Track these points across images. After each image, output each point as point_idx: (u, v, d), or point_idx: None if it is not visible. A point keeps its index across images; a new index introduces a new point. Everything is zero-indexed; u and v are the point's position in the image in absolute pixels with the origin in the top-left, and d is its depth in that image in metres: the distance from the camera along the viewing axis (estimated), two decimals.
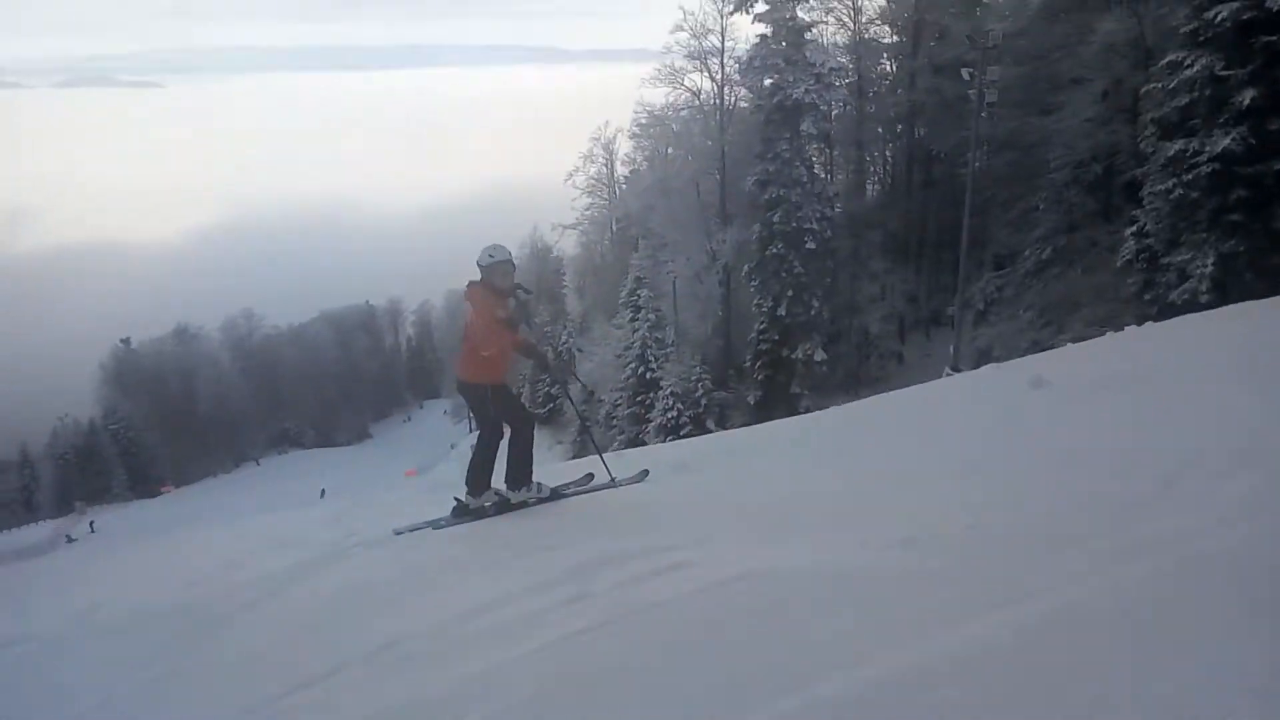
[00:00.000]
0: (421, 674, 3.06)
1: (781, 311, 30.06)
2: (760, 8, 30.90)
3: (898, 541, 3.38)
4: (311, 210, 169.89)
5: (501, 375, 6.11)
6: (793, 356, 30.18)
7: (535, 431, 6.28)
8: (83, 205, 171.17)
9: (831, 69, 30.89)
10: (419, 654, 3.26)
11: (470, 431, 66.69)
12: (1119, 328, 18.70)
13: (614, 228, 54.15)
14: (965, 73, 21.52)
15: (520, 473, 6.12)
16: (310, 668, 3.35)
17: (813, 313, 30.34)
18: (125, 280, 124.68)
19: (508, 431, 6.09)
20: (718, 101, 34.62)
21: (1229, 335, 7.23)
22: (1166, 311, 16.69)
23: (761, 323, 30.89)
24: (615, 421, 35.69)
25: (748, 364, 32.10)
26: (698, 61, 34.06)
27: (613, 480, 6.65)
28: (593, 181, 54.28)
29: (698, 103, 35.51)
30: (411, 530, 5.98)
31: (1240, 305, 9.74)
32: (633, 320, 35.88)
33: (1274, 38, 14.98)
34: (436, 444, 62.85)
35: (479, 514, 6.06)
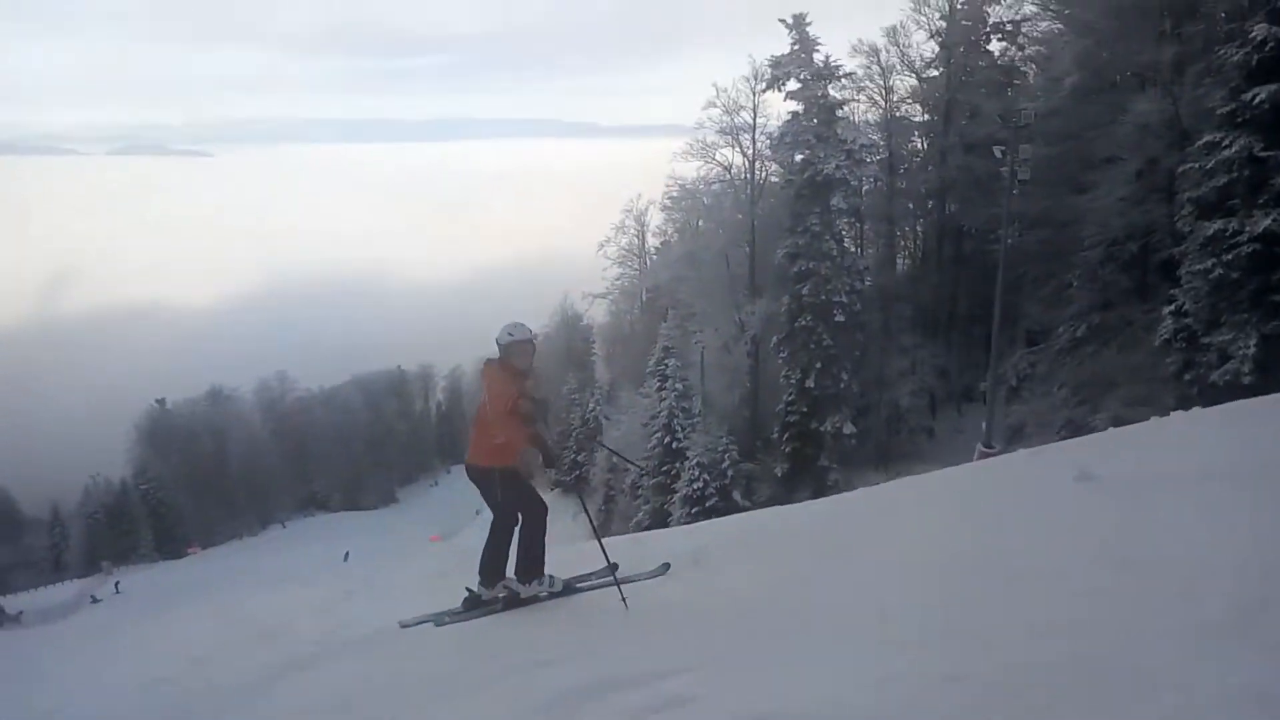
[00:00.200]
0: None
1: (810, 384, 29.79)
2: (792, 86, 31.44)
3: (940, 678, 2.92)
4: (347, 277, 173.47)
5: (513, 459, 5.74)
6: (821, 429, 29.78)
7: (548, 519, 5.89)
8: (128, 268, 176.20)
9: (862, 145, 31.24)
10: None
11: None
12: (1158, 408, 18.33)
13: (644, 297, 54.47)
14: (997, 151, 21.55)
15: (531, 565, 5.81)
16: None
17: (842, 385, 30.01)
18: (164, 342, 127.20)
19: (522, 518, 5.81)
20: (749, 176, 35.02)
21: None
22: (1208, 393, 16.28)
23: (790, 394, 30.60)
24: (640, 491, 35.24)
25: (775, 436, 31.71)
26: (729, 137, 34.61)
27: (614, 572, 6.15)
28: (624, 252, 54.92)
29: (729, 176, 35.94)
30: (417, 624, 5.70)
31: None
32: (660, 389, 35.72)
33: None
34: (462, 509, 62.39)
35: (490, 606, 5.77)
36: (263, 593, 9.98)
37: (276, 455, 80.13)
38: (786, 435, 30.70)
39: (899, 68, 35.22)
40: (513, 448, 5.61)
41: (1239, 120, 16.30)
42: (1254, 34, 16.14)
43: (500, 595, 5.78)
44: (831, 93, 31.58)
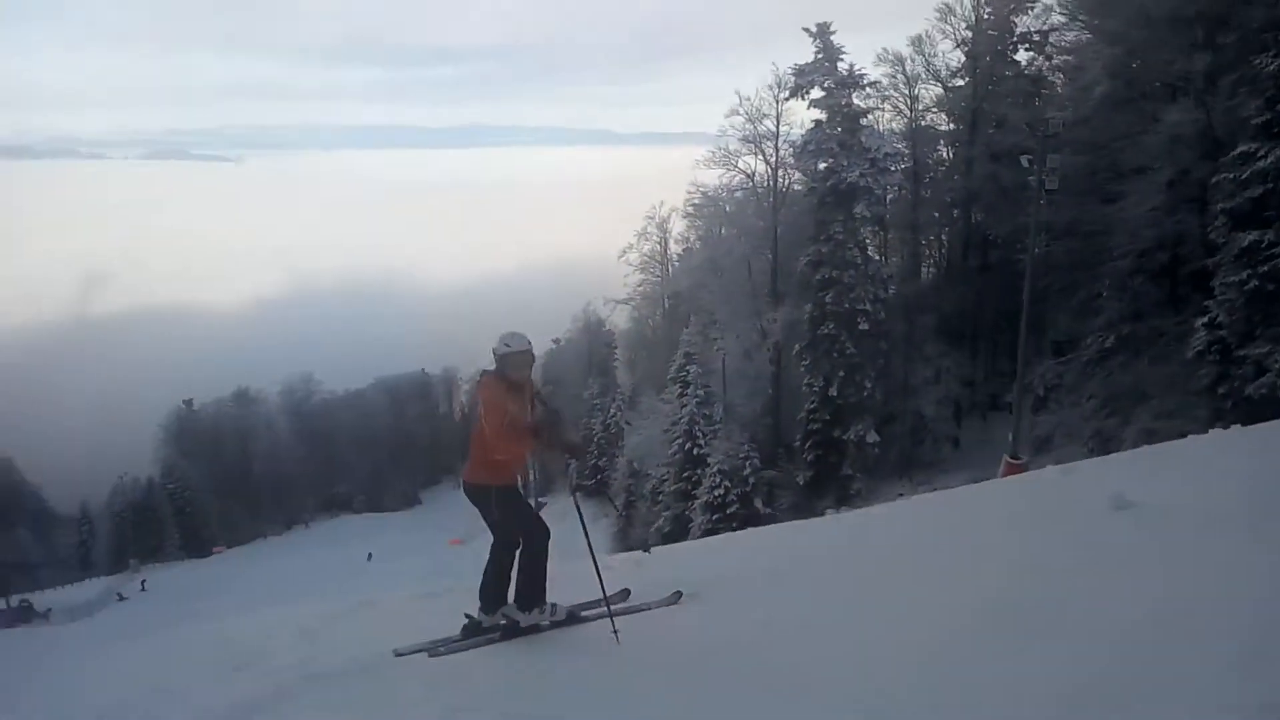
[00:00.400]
0: None
1: (833, 392, 29.68)
2: (816, 94, 31.38)
3: None
4: (372, 281, 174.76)
5: (511, 478, 5.54)
6: (844, 437, 29.67)
7: (550, 543, 5.52)
8: (155, 272, 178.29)
9: (887, 154, 31.08)
10: None
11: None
12: (1190, 421, 18.14)
13: (666, 304, 54.57)
14: (1024, 160, 21.37)
15: (531, 592, 5.46)
16: None
17: (865, 394, 29.87)
18: (191, 344, 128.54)
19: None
20: (771, 183, 34.98)
21: None
22: (1242, 406, 16.08)
23: (812, 402, 30.49)
24: (661, 497, 35.23)
25: (797, 443, 31.61)
26: (752, 144, 34.63)
27: (624, 599, 5.94)
28: (646, 259, 55.09)
29: (751, 184, 35.94)
30: (412, 653, 5.46)
31: None
32: (681, 396, 35.69)
33: None
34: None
35: (490, 634, 5.51)
36: (247, 613, 9.55)
37: (301, 457, 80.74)
38: (809, 443, 30.59)
39: (924, 77, 35.13)
40: (510, 465, 5.41)
41: (1275, 130, 16.13)
42: None
43: (500, 623, 5.49)
44: (856, 101, 31.51)
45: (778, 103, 33.53)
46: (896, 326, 32.62)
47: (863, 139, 30.74)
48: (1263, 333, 16.20)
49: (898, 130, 35.30)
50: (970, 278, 34.58)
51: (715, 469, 30.69)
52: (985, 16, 32.71)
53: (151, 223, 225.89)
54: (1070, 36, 30.43)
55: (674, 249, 53.99)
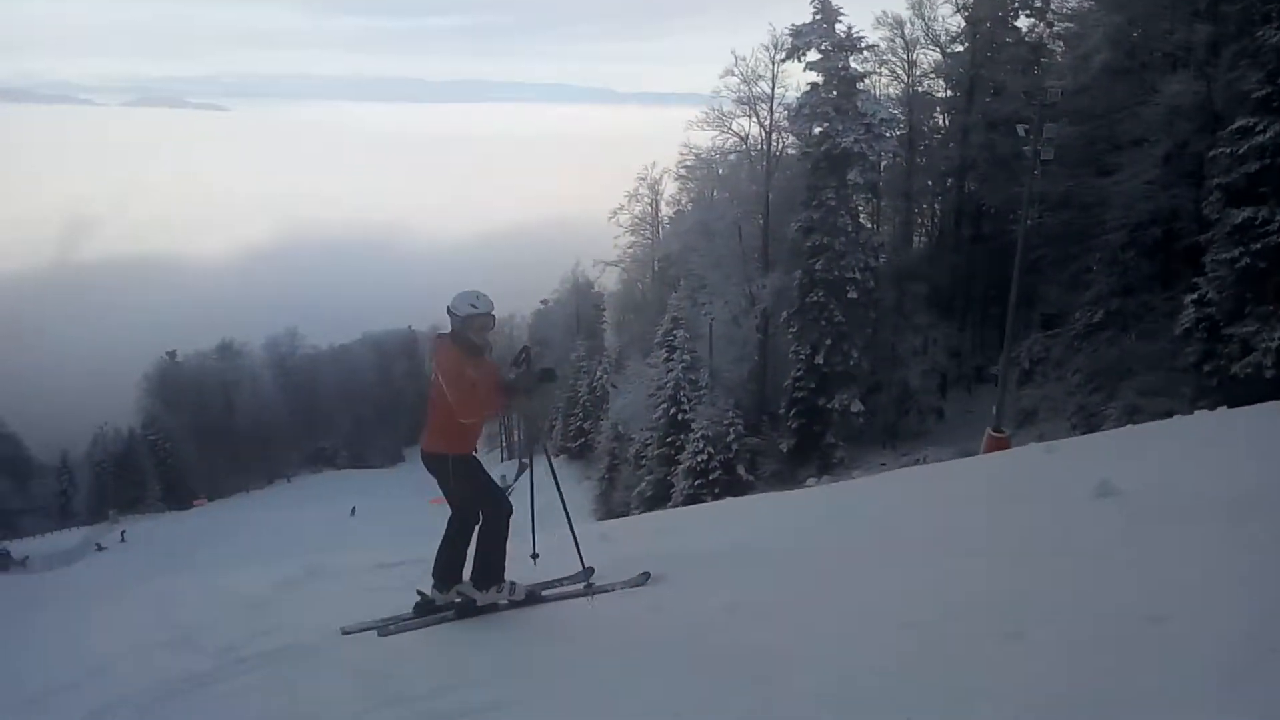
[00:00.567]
0: None
1: (819, 360, 29.49)
2: (812, 56, 30.78)
3: None
4: (361, 235, 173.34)
5: (469, 447, 5.22)
6: (829, 406, 29.53)
7: (511, 519, 5.24)
8: (142, 220, 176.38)
9: (882, 120, 30.57)
10: None
11: (502, 460, 66.62)
12: (1175, 398, 18.02)
13: (656, 267, 54.07)
14: (1021, 129, 20.96)
15: (489, 569, 5.17)
16: None
17: (851, 363, 29.69)
18: (176, 294, 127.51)
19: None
20: (765, 146, 34.41)
21: None
22: (1228, 385, 15.94)
23: (798, 370, 30.31)
24: (644, 462, 35.13)
25: (782, 411, 31.47)
26: (747, 106, 33.94)
27: (588, 578, 5.66)
28: (637, 220, 54.49)
29: (744, 147, 35.35)
30: (361, 630, 5.17)
31: None
32: (667, 360, 35.45)
33: None
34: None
35: (444, 612, 5.22)
36: (213, 573, 9.09)
37: (284, 411, 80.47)
38: (794, 411, 30.45)
39: (923, 41, 34.41)
40: (469, 434, 5.13)
41: (1275, 105, 15.80)
42: None
43: (455, 601, 5.20)
44: (853, 65, 30.93)
45: (774, 64, 32.82)
46: (886, 295, 32.34)
47: (859, 103, 30.21)
48: (1252, 311, 15.99)
49: (894, 96, 34.72)
50: (962, 248, 34.28)
51: (699, 434, 30.56)
52: None
53: (142, 170, 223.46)
54: (1072, 3, 29.93)
55: (665, 211, 53.37)
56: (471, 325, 5.04)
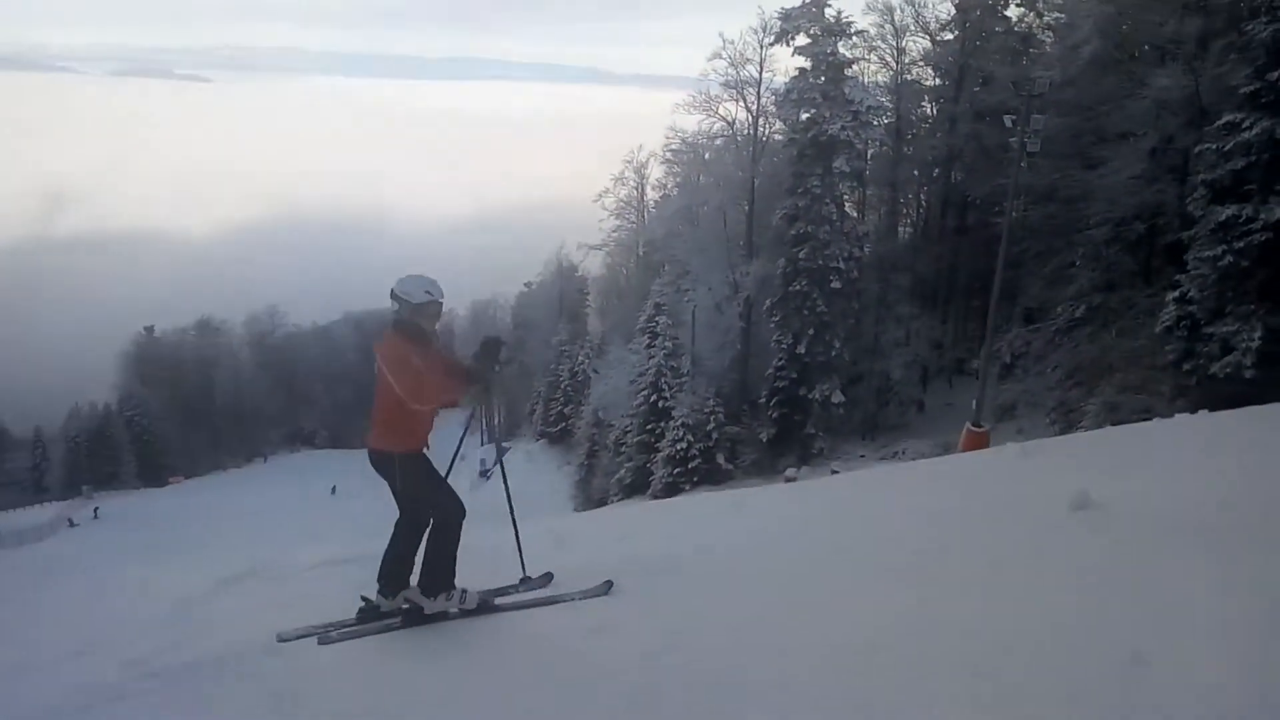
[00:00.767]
0: None
1: (801, 350, 29.31)
2: (801, 41, 30.43)
3: None
4: (345, 212, 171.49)
5: (419, 444, 4.84)
6: (810, 396, 29.38)
7: (463, 522, 4.91)
8: (123, 192, 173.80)
9: (870, 107, 30.29)
10: None
11: (483, 445, 66.27)
12: (1153, 396, 17.90)
13: (640, 252, 53.74)
14: (1008, 120, 20.71)
15: (438, 575, 4.85)
16: None
17: (833, 353, 29.52)
18: (155, 268, 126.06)
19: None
20: (751, 132, 34.05)
21: None
22: (1207, 384, 15.81)
23: (780, 360, 30.12)
24: (624, 449, 34.92)
25: (763, 400, 31.31)
26: (734, 90, 33.52)
27: (547, 583, 5.45)
28: (622, 204, 54.13)
29: (731, 132, 34.98)
30: (298, 638, 4.87)
31: None
32: (649, 347, 35.25)
33: None
34: (445, 453, 62.33)
35: (389, 619, 4.93)
36: (131, 575, 8.47)
37: (264, 390, 79.58)
38: (774, 400, 30.29)
39: (913, 29, 34.19)
40: (418, 430, 4.79)
41: (1262, 101, 15.56)
42: None
43: (402, 607, 4.93)
44: (841, 50, 30.56)
45: (761, 48, 32.38)
46: (869, 286, 32.18)
47: (846, 90, 29.90)
48: (1232, 310, 15.83)
49: (883, 83, 34.39)
50: (947, 239, 34.14)
51: (679, 422, 30.38)
52: None
53: (123, 142, 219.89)
54: None
55: (651, 196, 52.99)
56: (425, 312, 4.83)
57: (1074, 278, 24.45)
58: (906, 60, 34.48)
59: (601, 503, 34.63)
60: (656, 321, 35.65)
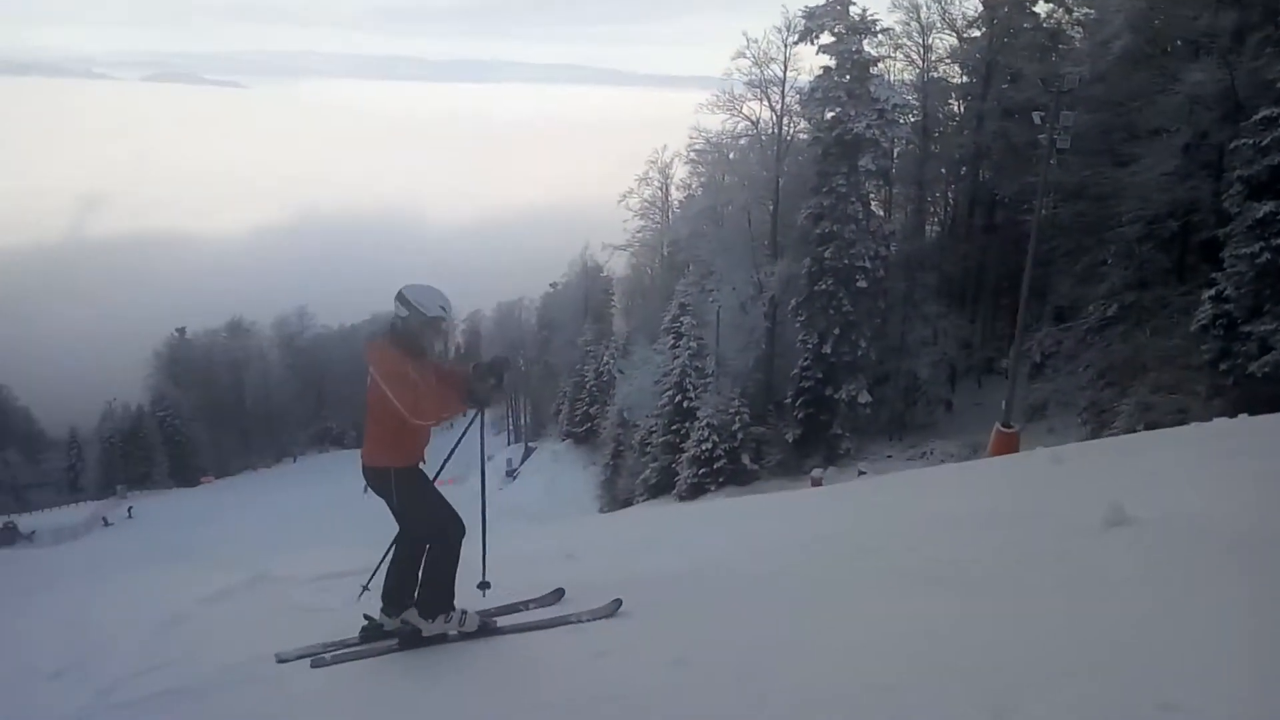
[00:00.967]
0: None
1: (827, 349, 29.12)
2: (825, 39, 30.22)
3: None
4: (371, 215, 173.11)
5: (414, 458, 4.66)
6: (836, 396, 29.18)
7: (462, 542, 4.71)
8: (156, 196, 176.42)
9: (896, 105, 30.00)
10: None
11: (509, 444, 66.53)
12: (1189, 396, 17.60)
13: (664, 252, 53.65)
14: (1037, 117, 20.46)
15: (436, 597, 4.66)
16: None
17: (859, 353, 29.30)
18: (187, 270, 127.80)
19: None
20: (776, 131, 33.91)
21: None
22: (1243, 384, 15.53)
23: (805, 359, 29.95)
24: (649, 449, 34.90)
25: (788, 400, 31.15)
26: (758, 90, 33.41)
27: (557, 600, 5.29)
28: (646, 204, 54.04)
29: (755, 131, 34.84)
30: (297, 659, 4.71)
31: None
32: (674, 347, 35.17)
33: None
34: (476, 452, 62.58)
35: (390, 640, 4.79)
36: (121, 588, 8.07)
37: (293, 391, 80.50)
38: (800, 400, 30.12)
39: (939, 25, 33.74)
40: (414, 444, 4.63)
41: None
42: None
43: (405, 627, 4.75)
44: (867, 48, 30.33)
45: (786, 47, 32.26)
46: (896, 285, 31.89)
47: (871, 88, 29.65)
48: (1271, 309, 15.54)
49: (909, 81, 34.09)
50: (974, 237, 33.75)
51: (704, 423, 30.30)
52: None
53: (155, 146, 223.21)
54: None
55: (675, 195, 52.90)
56: (434, 326, 4.64)
57: (1105, 275, 24.09)
58: (933, 57, 34.16)
59: (627, 503, 34.64)
60: (681, 322, 35.59)
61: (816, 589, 5.11)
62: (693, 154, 41.28)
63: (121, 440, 67.48)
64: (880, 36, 31.27)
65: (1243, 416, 7.50)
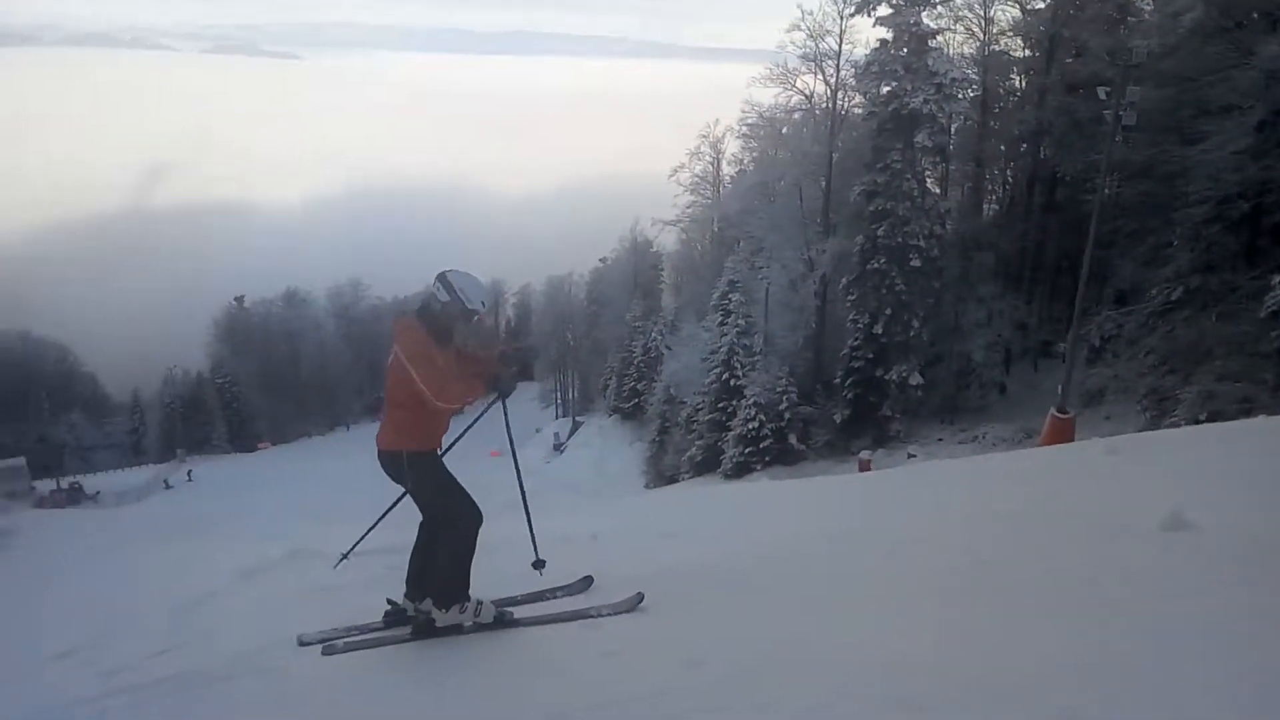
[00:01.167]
0: None
1: (878, 329, 28.73)
2: (883, 11, 29.54)
3: None
4: (424, 186, 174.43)
5: (431, 443, 4.58)
6: (886, 377, 28.83)
7: (478, 531, 4.61)
8: (216, 166, 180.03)
9: (954, 80, 29.24)
10: None
11: (556, 418, 67.08)
12: (1256, 384, 17.02)
13: (715, 228, 53.33)
14: (1102, 92, 19.73)
15: (450, 586, 4.59)
16: None
17: (912, 334, 28.85)
18: (246, 240, 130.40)
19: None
20: (830, 105, 33.33)
21: None
22: None
23: (856, 339, 29.60)
24: (695, 426, 34.94)
25: (837, 380, 30.87)
26: (812, 63, 32.85)
27: (584, 589, 5.18)
28: (697, 179, 53.71)
29: (809, 105, 34.28)
30: (318, 642, 4.64)
31: None
32: (722, 324, 35.05)
33: None
34: (525, 425, 63.46)
35: (404, 629, 4.74)
36: (148, 561, 8.08)
37: (346, 361, 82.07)
38: (849, 381, 29.82)
39: None
40: (432, 428, 4.56)
41: None
42: None
43: (419, 618, 4.68)
44: (925, 21, 29.57)
45: (841, 19, 31.62)
46: (951, 265, 31.25)
47: (929, 62, 28.92)
48: None
49: (968, 55, 33.15)
50: (1033, 217, 32.86)
51: (751, 401, 30.22)
52: None
53: (216, 116, 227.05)
54: None
55: (726, 171, 52.46)
56: (469, 317, 4.61)
57: (1170, 258, 23.26)
58: (994, 30, 33.14)
59: (672, 480, 34.78)
60: (730, 299, 35.42)
61: (850, 587, 4.97)
62: (744, 128, 40.88)
63: (182, 405, 69.67)
64: (940, 8, 30.54)
65: None
